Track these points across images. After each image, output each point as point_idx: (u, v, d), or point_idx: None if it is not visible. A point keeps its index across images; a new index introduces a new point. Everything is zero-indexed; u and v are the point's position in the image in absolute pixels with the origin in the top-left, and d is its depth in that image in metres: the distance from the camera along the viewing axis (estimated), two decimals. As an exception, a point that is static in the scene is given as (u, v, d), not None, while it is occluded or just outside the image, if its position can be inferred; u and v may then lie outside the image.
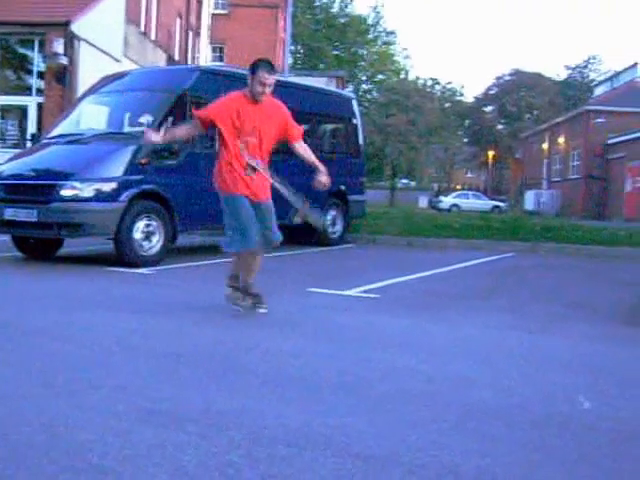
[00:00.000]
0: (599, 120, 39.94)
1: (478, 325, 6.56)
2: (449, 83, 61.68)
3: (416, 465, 3.22)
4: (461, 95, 75.49)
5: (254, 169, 6.75)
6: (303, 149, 7.27)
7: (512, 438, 3.61)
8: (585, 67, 77.76)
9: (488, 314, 7.27)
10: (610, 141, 38.95)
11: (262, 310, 6.91)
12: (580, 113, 43.47)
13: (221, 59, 43.91)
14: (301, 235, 14.49)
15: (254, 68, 6.48)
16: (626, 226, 18.05)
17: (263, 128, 6.69)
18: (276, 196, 7.16)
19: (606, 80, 58.06)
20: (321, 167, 7.07)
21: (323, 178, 7.05)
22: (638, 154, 34.45)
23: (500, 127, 70.89)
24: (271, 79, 6.49)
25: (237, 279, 6.92)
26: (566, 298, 8.75)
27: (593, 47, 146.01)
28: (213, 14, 41.71)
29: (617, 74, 53.66)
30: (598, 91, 58.48)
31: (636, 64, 47.85)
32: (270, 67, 6.50)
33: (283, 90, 13.84)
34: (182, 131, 7.25)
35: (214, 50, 43.69)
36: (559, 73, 78.44)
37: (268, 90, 6.52)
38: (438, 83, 62.73)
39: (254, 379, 4.54)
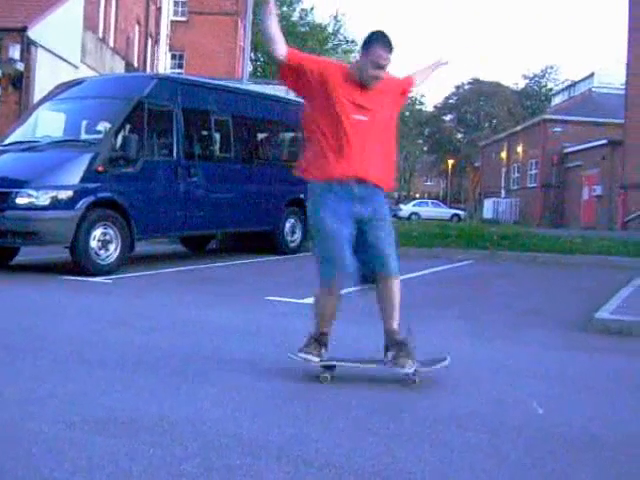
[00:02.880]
0: (556, 129, 40.40)
1: (435, 333, 6.58)
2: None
3: (370, 472, 3.22)
4: (421, 104, 76.03)
5: None
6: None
7: (466, 444, 3.63)
8: (543, 77, 78.59)
9: (445, 322, 7.31)
10: (567, 150, 39.42)
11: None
12: (538, 122, 43.93)
13: (180, 66, 43.73)
14: (259, 243, 14.48)
15: (368, 43, 4.74)
16: (582, 234, 18.26)
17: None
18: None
19: (563, 90, 58.76)
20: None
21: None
22: (595, 163, 34.91)
23: (459, 136, 71.48)
24: (389, 59, 4.77)
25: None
26: (522, 305, 8.83)
27: (551, 57, 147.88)
28: (172, 21, 41.53)
29: (574, 84, 54.35)
30: (556, 100, 59.19)
31: (593, 74, 48.51)
32: (389, 43, 4.73)
33: (241, 98, 13.88)
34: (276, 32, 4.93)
35: (173, 57, 43.48)
36: (517, 82, 79.20)
37: (382, 75, 4.77)
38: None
39: (210, 388, 4.52)
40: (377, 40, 4.72)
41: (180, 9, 44.32)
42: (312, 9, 68.86)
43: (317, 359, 4.83)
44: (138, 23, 31.61)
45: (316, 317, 5.00)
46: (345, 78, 4.74)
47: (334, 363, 4.86)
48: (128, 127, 11.09)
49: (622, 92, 31.74)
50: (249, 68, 25.92)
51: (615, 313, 7.36)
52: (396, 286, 4.84)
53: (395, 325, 4.79)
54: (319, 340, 4.91)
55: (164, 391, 4.43)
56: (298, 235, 14.75)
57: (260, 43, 58.69)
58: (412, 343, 4.69)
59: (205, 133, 13.16)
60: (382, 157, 4.81)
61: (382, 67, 4.71)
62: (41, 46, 20.39)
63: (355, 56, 68.73)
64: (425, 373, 4.73)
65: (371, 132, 4.73)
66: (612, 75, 44.32)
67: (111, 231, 10.44)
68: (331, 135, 4.68)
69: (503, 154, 50.91)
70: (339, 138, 4.66)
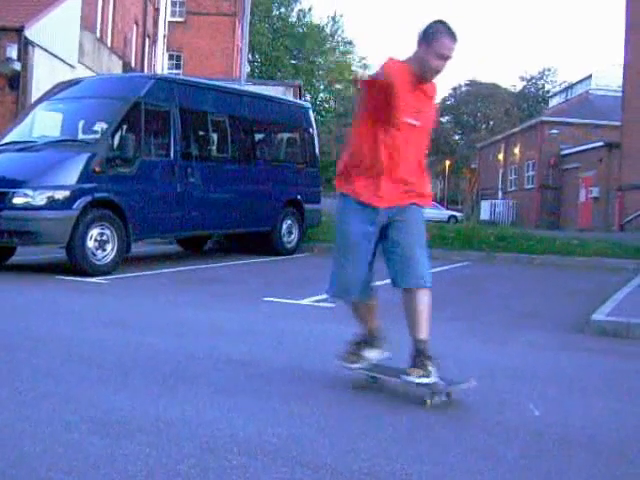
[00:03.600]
0: (554, 131, 40.40)
1: (432, 334, 6.57)
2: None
3: (367, 473, 3.22)
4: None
5: None
6: None
7: (462, 445, 3.64)
8: (540, 78, 78.66)
9: (443, 323, 7.29)
10: (564, 152, 39.43)
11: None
12: (535, 124, 43.91)
13: (178, 67, 43.73)
14: (256, 244, 14.48)
15: (431, 33, 4.37)
16: (578, 236, 18.28)
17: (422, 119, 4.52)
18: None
19: (561, 91, 58.79)
20: None
21: None
22: (592, 165, 34.93)
23: (456, 137, 71.51)
24: (454, 51, 4.42)
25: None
26: (519, 307, 8.84)
27: (548, 59, 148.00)
28: (170, 22, 41.53)
29: (571, 86, 54.36)
30: (553, 102, 59.19)
31: (590, 76, 48.53)
32: (454, 33, 4.39)
33: (238, 99, 13.88)
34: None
35: (171, 58, 43.48)
36: (515, 84, 79.28)
37: (444, 68, 4.42)
38: (395, 93, 63.23)
39: (205, 389, 4.51)
40: (442, 29, 4.37)
41: (178, 9, 44.34)
42: (310, 10, 68.96)
43: (355, 366, 4.73)
44: (136, 23, 31.59)
45: (355, 318, 4.86)
46: (406, 77, 4.35)
47: (368, 373, 4.74)
48: (125, 127, 11.08)
49: (619, 94, 31.75)
50: (247, 69, 25.93)
51: (611, 315, 7.37)
52: (426, 297, 4.53)
53: (421, 335, 4.49)
54: (364, 341, 4.79)
55: (160, 392, 4.42)
56: (295, 236, 14.76)
57: (258, 44, 58.74)
58: (436, 359, 4.43)
59: (202, 133, 13.16)
60: (421, 169, 4.62)
61: (447, 59, 4.37)
62: (38, 46, 20.36)
63: (352, 57, 68.93)
64: (454, 392, 4.43)
65: (419, 139, 4.52)
66: (609, 77, 44.33)
67: (108, 231, 10.44)
68: (376, 156, 4.39)
69: (500, 156, 50.92)
70: (388, 158, 4.38)
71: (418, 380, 4.34)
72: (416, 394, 4.42)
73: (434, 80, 4.48)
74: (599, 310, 7.61)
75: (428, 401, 4.32)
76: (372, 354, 4.75)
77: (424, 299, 4.50)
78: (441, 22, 4.41)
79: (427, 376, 4.34)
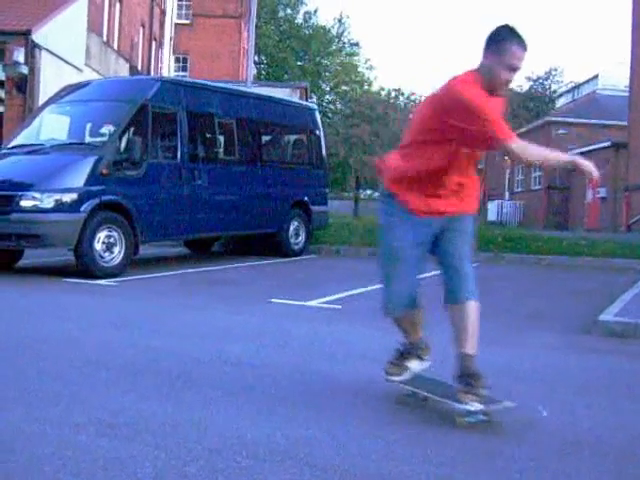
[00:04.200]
0: (561, 131, 40.34)
1: (439, 335, 6.57)
2: (412, 94, 62.00)
3: (376, 475, 3.22)
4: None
5: None
6: None
7: (471, 447, 3.64)
8: (547, 79, 78.42)
9: (448, 326, 7.29)
10: (571, 152, 39.37)
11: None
12: (542, 124, 43.86)
13: (185, 69, 43.79)
14: (263, 245, 14.49)
15: (499, 41, 4.00)
16: (586, 236, 18.22)
17: None
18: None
19: (567, 91, 58.72)
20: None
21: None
22: (599, 165, 34.88)
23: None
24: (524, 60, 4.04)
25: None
26: (526, 308, 8.82)
27: (555, 59, 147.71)
28: (177, 24, 41.60)
29: (578, 86, 54.32)
30: (560, 102, 59.11)
31: (597, 76, 48.48)
32: (524, 40, 4.02)
33: (245, 101, 13.90)
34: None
35: (177, 60, 43.56)
36: (521, 85, 79.15)
37: (513, 80, 4.11)
38: (402, 94, 63.03)
39: (213, 391, 4.52)
40: (511, 37, 3.99)
41: (184, 12, 44.40)
42: (316, 11, 68.87)
43: (397, 378, 4.50)
44: (142, 26, 31.66)
45: (398, 329, 4.64)
46: (485, 95, 3.98)
47: (409, 388, 4.42)
48: (132, 130, 11.10)
49: (626, 94, 31.69)
50: (253, 71, 25.94)
51: (619, 315, 7.35)
52: (474, 311, 4.28)
53: (470, 350, 4.17)
54: (407, 352, 4.57)
55: (168, 394, 4.43)
56: (302, 237, 14.76)
57: (264, 46, 58.79)
58: (485, 378, 4.10)
59: (209, 136, 13.17)
60: (473, 175, 4.33)
61: (517, 70, 4.02)
62: (45, 49, 20.41)
63: (359, 59, 68.93)
64: (493, 413, 4.03)
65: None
66: (616, 77, 44.25)
67: (115, 234, 10.46)
68: (441, 173, 4.12)
69: (507, 156, 50.87)
70: (448, 170, 4.12)
71: (472, 408, 3.98)
72: (443, 407, 4.19)
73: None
74: (607, 311, 7.59)
75: (462, 420, 4.00)
76: (413, 364, 4.54)
77: (474, 312, 4.26)
78: (509, 28, 4.04)
79: (480, 402, 4.00)
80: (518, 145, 3.91)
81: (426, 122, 4.12)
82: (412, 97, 60.10)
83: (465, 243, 4.39)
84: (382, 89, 59.33)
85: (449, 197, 4.22)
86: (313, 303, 8.45)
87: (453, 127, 3.93)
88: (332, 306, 8.27)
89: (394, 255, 4.31)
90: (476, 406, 3.97)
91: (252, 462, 3.32)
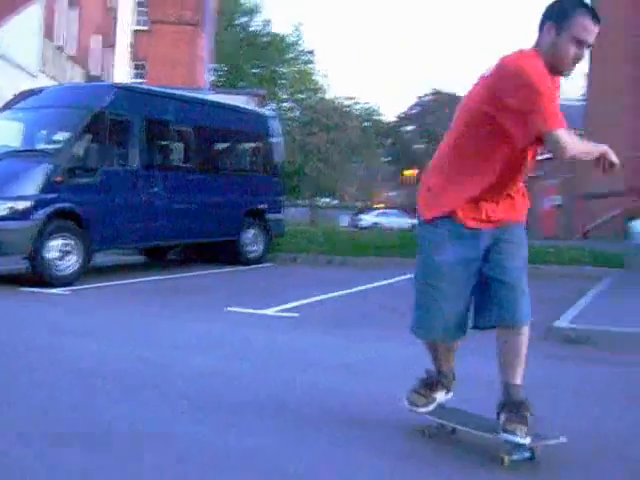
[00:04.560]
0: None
1: (397, 341, 6.58)
2: (367, 103, 62.37)
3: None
4: (379, 115, 76.36)
5: None
6: None
7: (440, 457, 3.64)
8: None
9: (407, 331, 7.30)
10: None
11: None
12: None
13: (142, 76, 43.51)
14: (220, 253, 14.43)
15: (564, 12, 3.44)
16: (553, 244, 18.21)
17: None
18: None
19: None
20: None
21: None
22: (555, 173, 35.30)
23: (421, 146, 71.83)
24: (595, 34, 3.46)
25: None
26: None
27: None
28: (134, 30, 41.34)
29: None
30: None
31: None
32: (595, 12, 3.45)
33: (201, 108, 13.85)
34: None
35: (135, 67, 43.27)
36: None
37: (583, 57, 3.49)
38: (357, 102, 63.35)
39: (175, 400, 4.48)
40: (578, 7, 3.42)
41: (142, 18, 44.14)
42: (269, 22, 68.87)
43: (423, 409, 4.03)
44: (98, 32, 31.42)
45: (430, 355, 4.17)
46: (549, 78, 3.44)
47: (438, 421, 3.99)
48: (87, 137, 11.00)
49: (582, 103, 32.12)
50: (210, 77, 25.86)
51: (573, 322, 7.42)
52: (526, 335, 3.74)
53: (517, 380, 3.70)
54: (435, 381, 4.11)
55: (131, 404, 4.38)
56: (259, 245, 14.71)
57: (222, 53, 58.70)
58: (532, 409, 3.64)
59: (165, 143, 13.11)
60: (523, 179, 3.83)
61: (587, 45, 3.44)
62: (-1, 55, 20.18)
63: (313, 67, 69.13)
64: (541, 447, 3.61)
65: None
66: (572, 86, 44.87)
67: (70, 242, 10.36)
68: (489, 175, 3.61)
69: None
70: (500, 175, 3.62)
71: (522, 441, 3.51)
72: (482, 443, 3.78)
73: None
74: (562, 317, 7.65)
75: (506, 458, 3.53)
76: (440, 395, 4.10)
77: (525, 338, 3.72)
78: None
79: (529, 435, 3.55)
80: (567, 136, 3.41)
81: (478, 108, 3.55)
82: (366, 106, 60.46)
83: (522, 255, 3.79)
84: (337, 97, 59.75)
85: (501, 203, 3.73)
86: (270, 311, 8.42)
87: (506, 110, 3.41)
88: (289, 314, 8.25)
89: (434, 271, 3.77)
90: (525, 439, 3.51)
91: (214, 471, 3.32)
